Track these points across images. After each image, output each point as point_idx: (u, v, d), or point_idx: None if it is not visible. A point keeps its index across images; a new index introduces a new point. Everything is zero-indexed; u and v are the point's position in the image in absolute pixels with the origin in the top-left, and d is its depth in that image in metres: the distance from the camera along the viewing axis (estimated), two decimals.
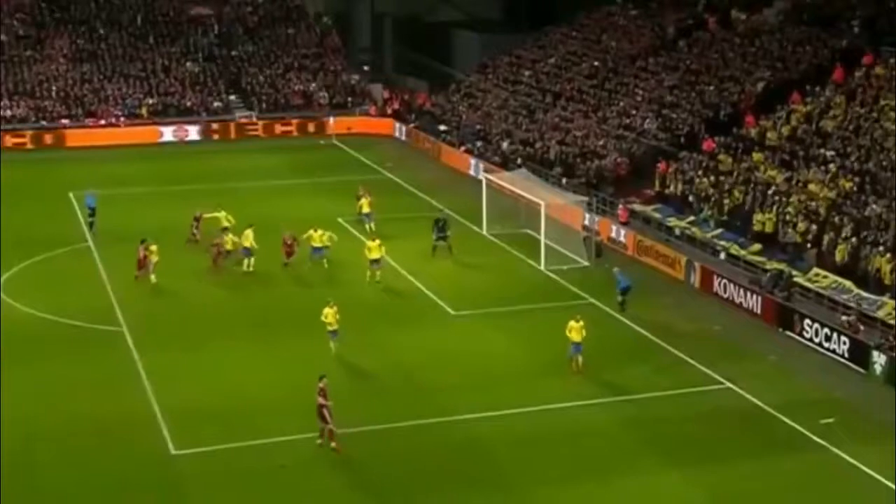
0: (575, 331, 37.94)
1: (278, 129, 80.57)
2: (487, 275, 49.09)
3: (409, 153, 75.12)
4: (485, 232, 54.40)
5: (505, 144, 68.14)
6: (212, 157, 73.41)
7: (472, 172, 66.41)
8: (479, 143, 70.38)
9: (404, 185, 65.13)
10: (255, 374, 37.35)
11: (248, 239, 47.67)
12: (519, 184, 53.44)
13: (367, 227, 53.44)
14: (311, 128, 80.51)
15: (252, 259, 47.78)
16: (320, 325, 39.23)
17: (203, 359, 38.81)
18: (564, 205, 52.18)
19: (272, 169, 69.41)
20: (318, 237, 48.09)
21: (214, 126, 79.99)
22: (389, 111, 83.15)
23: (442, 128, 75.68)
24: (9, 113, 77.89)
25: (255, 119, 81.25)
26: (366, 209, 54.67)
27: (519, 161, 63.69)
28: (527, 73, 78.06)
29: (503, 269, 49.76)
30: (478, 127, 73.14)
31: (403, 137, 78.92)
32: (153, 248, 46.60)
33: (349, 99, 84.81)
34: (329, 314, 39.04)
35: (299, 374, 36.04)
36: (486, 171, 60.00)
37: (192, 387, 36.40)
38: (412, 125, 78.83)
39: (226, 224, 50.13)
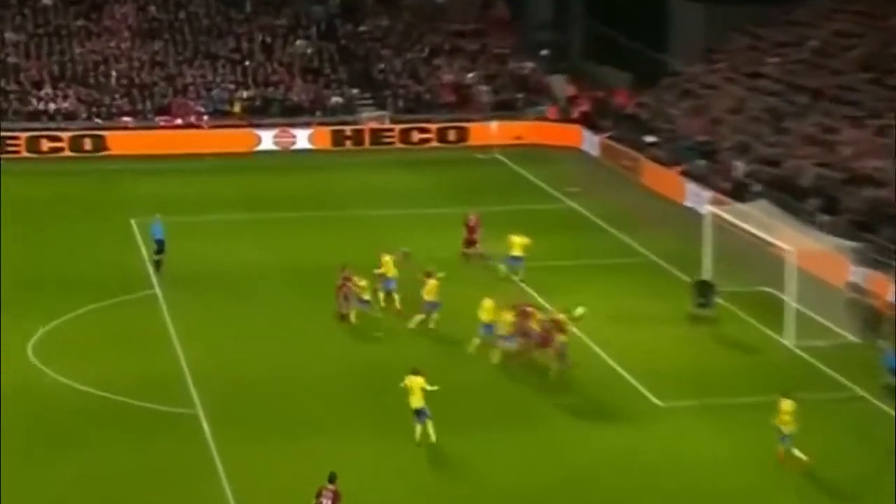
0: (784, 414, 37.92)
1: (419, 136, 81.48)
2: (710, 350, 48.82)
3: (602, 173, 75.46)
4: None
5: (739, 164, 67.83)
6: (328, 174, 74.80)
7: (689, 203, 66.45)
8: (701, 162, 70.27)
9: (593, 218, 65.28)
10: (373, 480, 37.37)
11: (432, 292, 49.26)
12: (757, 221, 52.90)
13: (509, 272, 54.27)
14: (465, 136, 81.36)
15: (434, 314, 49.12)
16: (461, 419, 39.84)
17: (303, 456, 38.83)
18: (823, 252, 51.51)
19: (412, 191, 70.35)
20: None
21: (332, 130, 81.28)
22: (576, 114, 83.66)
23: (649, 139, 75.71)
24: (52, 106, 79.80)
25: (388, 121, 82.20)
26: (517, 251, 54.68)
27: (758, 188, 63.21)
28: (773, 61, 77.54)
29: (732, 343, 49.44)
30: (700, 138, 72.92)
31: (594, 151, 79.26)
32: (363, 284, 49.61)
33: (520, 96, 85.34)
34: (414, 384, 39.21)
35: (431, 481, 36.66)
36: (711, 201, 59.57)
37: (286, 495, 36.52)
38: (607, 134, 79.05)
39: (393, 273, 51.18)
